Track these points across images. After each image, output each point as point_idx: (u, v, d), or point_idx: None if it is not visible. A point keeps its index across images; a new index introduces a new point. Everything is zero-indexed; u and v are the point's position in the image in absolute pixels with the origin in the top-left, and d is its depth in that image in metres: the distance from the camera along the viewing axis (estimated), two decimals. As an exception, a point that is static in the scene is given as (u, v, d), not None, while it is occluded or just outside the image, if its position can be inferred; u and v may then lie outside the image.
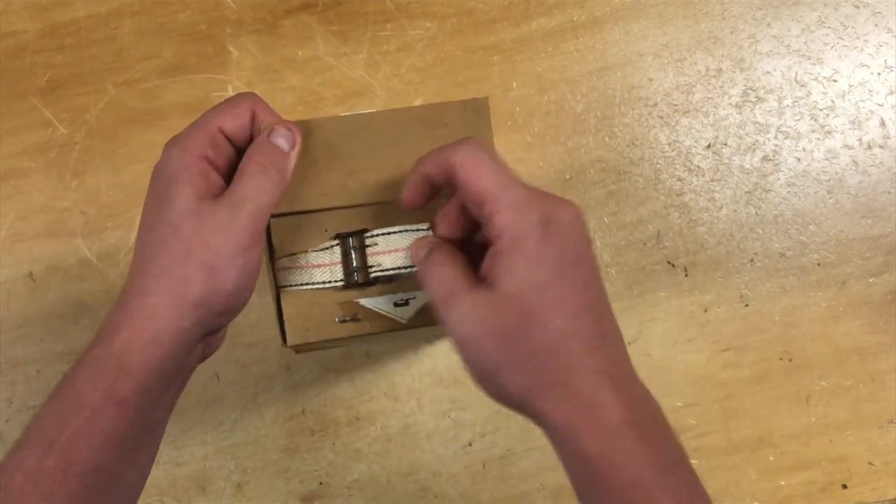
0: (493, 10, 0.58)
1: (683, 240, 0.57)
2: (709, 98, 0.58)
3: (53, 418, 0.34)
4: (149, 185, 0.38)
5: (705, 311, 0.56)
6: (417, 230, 0.39)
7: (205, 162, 0.37)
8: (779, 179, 0.57)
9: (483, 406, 0.55)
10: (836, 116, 0.58)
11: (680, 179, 0.57)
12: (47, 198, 0.56)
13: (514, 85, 0.57)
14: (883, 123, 0.58)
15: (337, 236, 0.41)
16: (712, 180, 0.57)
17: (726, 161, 0.57)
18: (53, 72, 0.57)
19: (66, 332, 0.55)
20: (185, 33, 0.57)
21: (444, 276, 0.35)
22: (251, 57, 0.57)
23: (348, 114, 0.41)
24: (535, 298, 0.33)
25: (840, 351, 0.56)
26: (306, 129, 0.40)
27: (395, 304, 0.41)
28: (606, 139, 0.57)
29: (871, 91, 0.58)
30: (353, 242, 0.40)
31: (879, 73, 0.58)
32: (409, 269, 0.39)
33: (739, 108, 0.58)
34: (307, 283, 0.40)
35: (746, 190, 0.57)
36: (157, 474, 0.55)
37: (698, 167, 0.57)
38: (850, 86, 0.58)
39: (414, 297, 0.41)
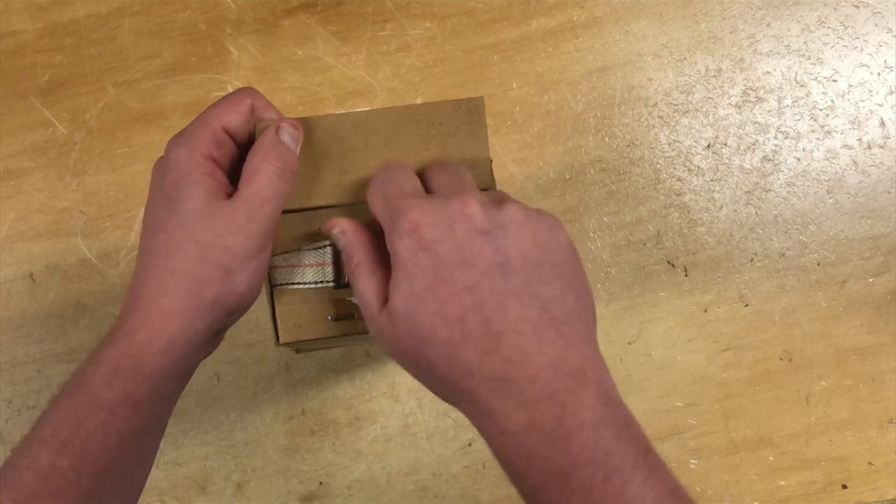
0: (493, 10, 0.58)
1: (683, 240, 0.57)
2: (709, 98, 0.58)
3: (68, 418, 0.34)
4: (151, 184, 0.38)
5: (705, 311, 0.56)
6: None
7: (211, 162, 0.37)
8: (778, 179, 0.57)
9: (483, 406, 0.55)
10: (836, 116, 0.58)
11: (680, 179, 0.57)
12: (47, 198, 0.56)
13: (514, 85, 0.57)
14: (883, 123, 0.58)
15: (329, 237, 0.41)
16: (712, 180, 0.57)
17: (726, 161, 0.57)
18: (53, 72, 0.57)
19: (66, 332, 0.55)
20: (185, 33, 0.57)
21: (362, 292, 0.36)
22: (251, 57, 0.57)
23: (343, 112, 0.41)
24: (418, 312, 0.33)
25: (840, 351, 0.56)
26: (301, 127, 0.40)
27: None
28: (606, 139, 0.57)
29: (870, 91, 0.58)
30: None
31: (879, 73, 0.58)
32: None
33: (739, 108, 0.58)
34: (299, 283, 0.41)
35: (746, 190, 0.57)
36: (157, 474, 0.55)
37: (698, 167, 0.57)
38: (850, 86, 0.58)
39: None
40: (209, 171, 0.36)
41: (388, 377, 0.56)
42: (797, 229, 0.57)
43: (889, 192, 0.58)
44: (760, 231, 0.57)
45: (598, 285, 0.56)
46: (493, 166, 0.41)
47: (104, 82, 0.57)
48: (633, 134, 0.57)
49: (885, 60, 0.58)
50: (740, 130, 0.58)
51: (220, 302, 0.36)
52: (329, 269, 0.41)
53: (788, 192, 0.57)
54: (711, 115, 0.58)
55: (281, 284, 0.41)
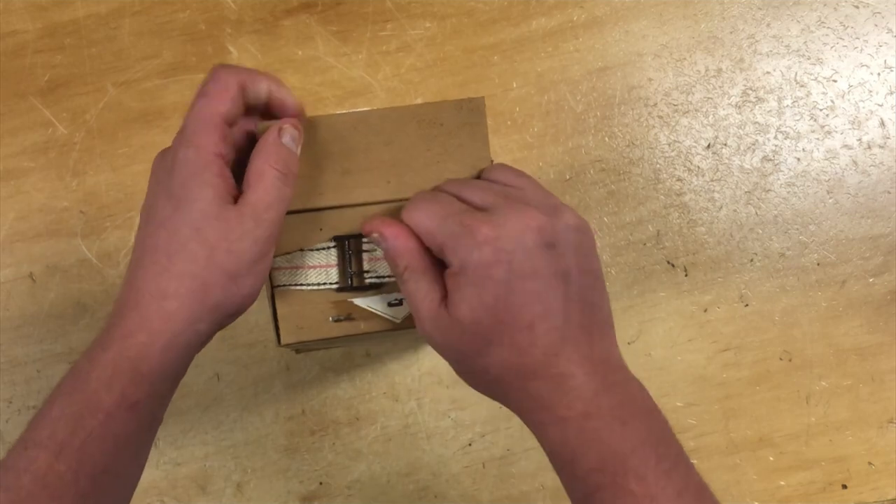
0: (493, 10, 0.58)
1: (683, 240, 0.57)
2: (708, 98, 0.58)
3: (65, 420, 0.34)
4: (152, 179, 0.37)
5: (705, 311, 0.56)
6: None
7: (221, 160, 0.36)
8: (778, 179, 0.57)
9: (483, 406, 0.55)
10: (836, 116, 0.58)
11: (680, 179, 0.57)
12: (47, 198, 0.56)
13: (514, 85, 0.57)
14: (882, 123, 0.58)
15: (334, 239, 0.41)
16: (712, 180, 0.57)
17: (726, 161, 0.57)
18: (53, 72, 0.57)
19: (66, 332, 0.55)
20: (185, 33, 0.57)
21: (414, 293, 0.37)
22: (251, 57, 0.57)
23: (343, 111, 0.41)
24: (486, 320, 0.35)
25: (840, 351, 0.56)
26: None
27: (389, 304, 0.41)
28: (606, 139, 0.57)
29: (870, 91, 0.58)
30: (349, 246, 0.40)
31: (879, 74, 0.58)
32: None
33: (739, 108, 0.58)
34: (302, 284, 0.40)
35: (746, 190, 0.57)
36: (157, 474, 0.55)
37: (698, 167, 0.57)
38: (850, 86, 0.58)
39: None
40: (219, 171, 0.36)
41: (388, 377, 0.56)
42: (797, 229, 0.57)
43: (889, 192, 0.58)
44: (760, 231, 0.57)
45: (598, 285, 0.56)
46: (488, 145, 0.41)
47: (104, 82, 0.57)
48: (633, 134, 0.57)
49: (885, 60, 0.58)
50: (740, 130, 0.58)
51: (222, 305, 0.36)
52: (333, 272, 0.40)
53: (788, 192, 0.57)
54: (711, 115, 0.58)
55: (283, 286, 0.41)
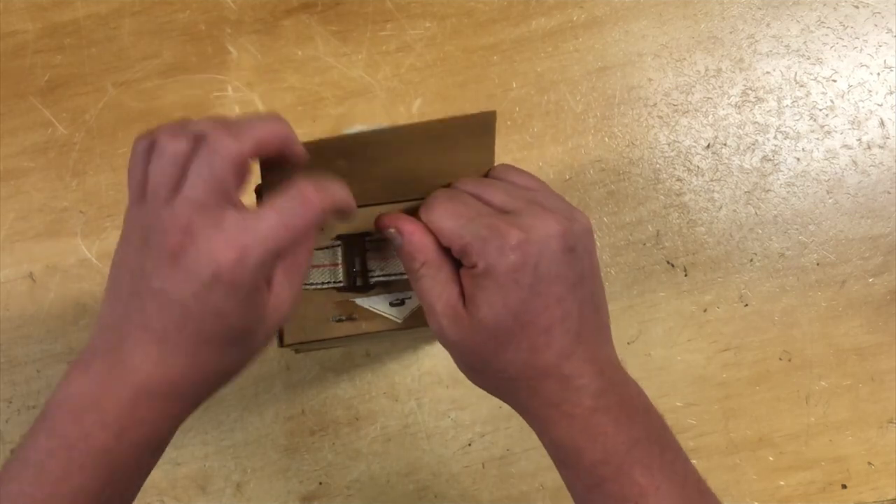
0: (492, 10, 0.58)
1: (683, 240, 0.57)
2: (708, 98, 0.58)
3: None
4: (171, 233, 0.33)
5: (705, 311, 0.56)
6: None
7: (263, 282, 0.34)
8: (778, 179, 0.57)
9: (483, 406, 0.55)
10: (836, 116, 0.58)
11: (679, 179, 0.57)
12: (47, 198, 0.56)
13: (514, 85, 0.57)
14: (882, 123, 0.58)
15: (339, 238, 0.40)
16: (712, 180, 0.57)
17: (726, 161, 0.57)
18: (53, 72, 0.57)
19: (66, 332, 0.55)
20: (185, 33, 0.57)
21: (430, 290, 0.37)
22: (251, 57, 0.57)
23: (353, 132, 0.40)
24: (508, 322, 0.35)
25: (840, 351, 0.56)
26: (309, 151, 0.37)
27: (391, 304, 0.41)
28: (606, 139, 0.57)
29: (870, 91, 0.58)
30: (354, 245, 0.40)
31: (879, 73, 0.58)
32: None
33: (739, 108, 0.58)
34: (306, 283, 0.40)
35: (746, 190, 0.57)
36: (157, 474, 0.55)
37: (698, 167, 0.57)
38: (850, 86, 0.58)
39: (409, 298, 0.41)
40: (258, 299, 0.34)
41: (388, 377, 0.56)
42: (797, 229, 0.57)
43: (889, 192, 0.58)
44: (760, 231, 0.57)
45: (598, 285, 0.56)
46: (494, 156, 0.41)
47: (104, 82, 0.57)
48: (632, 134, 0.57)
49: (885, 60, 0.58)
50: (740, 130, 0.58)
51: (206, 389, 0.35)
52: (339, 270, 0.40)
53: (788, 192, 0.57)
54: (711, 115, 0.58)
55: None
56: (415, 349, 0.56)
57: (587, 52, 0.58)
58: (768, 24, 0.58)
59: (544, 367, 0.35)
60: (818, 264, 0.57)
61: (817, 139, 0.58)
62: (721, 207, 0.57)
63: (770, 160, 0.57)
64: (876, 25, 0.58)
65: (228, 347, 0.34)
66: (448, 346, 0.38)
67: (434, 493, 0.55)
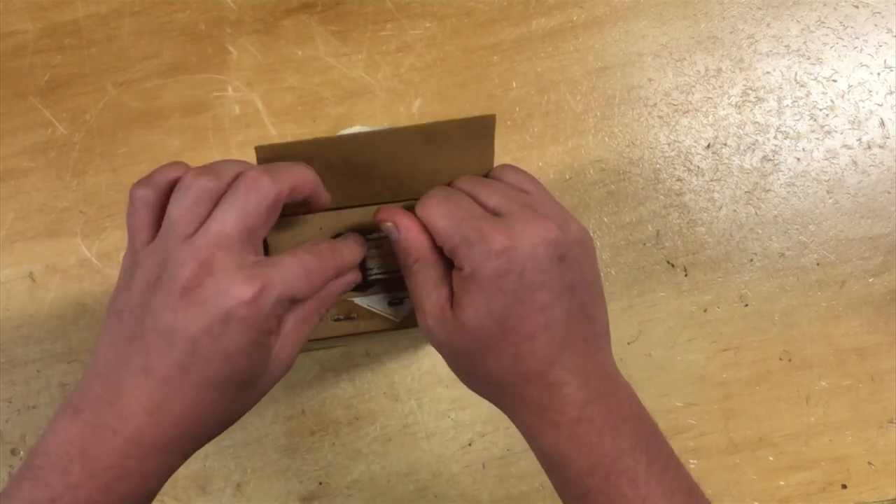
0: (492, 10, 0.58)
1: (683, 240, 0.57)
2: (708, 98, 0.58)
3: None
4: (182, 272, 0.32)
5: (705, 311, 0.56)
6: None
7: (275, 326, 0.34)
8: (778, 179, 0.57)
9: (483, 406, 0.55)
10: (836, 116, 0.58)
11: (679, 179, 0.57)
12: (47, 198, 0.56)
13: (514, 85, 0.57)
14: (882, 123, 0.58)
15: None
16: (712, 180, 0.57)
17: (726, 161, 0.57)
18: (53, 72, 0.57)
19: (66, 332, 0.55)
20: (185, 33, 0.57)
21: (421, 288, 0.37)
22: (251, 57, 0.57)
23: (350, 132, 0.40)
24: (491, 328, 0.35)
25: (840, 351, 0.56)
26: (306, 149, 0.38)
27: (390, 304, 0.41)
28: (606, 139, 0.57)
29: (870, 91, 0.58)
30: None
31: (879, 73, 0.58)
32: None
33: (739, 108, 0.58)
34: None
35: (746, 190, 0.57)
36: (156, 474, 0.55)
37: (698, 167, 0.57)
38: (850, 86, 0.58)
39: (408, 297, 0.41)
40: (264, 342, 0.33)
41: (388, 377, 0.56)
42: (797, 229, 0.57)
43: (889, 192, 0.58)
44: (760, 231, 0.57)
45: (598, 285, 0.56)
46: (493, 159, 0.40)
47: (104, 82, 0.57)
48: (632, 134, 0.57)
49: (885, 60, 0.58)
50: (740, 130, 0.58)
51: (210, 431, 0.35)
52: None
53: (788, 192, 0.57)
54: (711, 115, 0.58)
55: None
56: (415, 349, 0.56)
57: (587, 52, 0.58)
58: (768, 24, 0.58)
59: (527, 374, 0.35)
60: (818, 264, 0.57)
61: (817, 139, 0.58)
62: (721, 207, 0.57)
63: (770, 160, 0.57)
64: (876, 25, 0.58)
65: (230, 393, 0.33)
66: (436, 345, 0.38)
67: (434, 493, 0.55)
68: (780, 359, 0.56)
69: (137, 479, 0.32)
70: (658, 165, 0.57)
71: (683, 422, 0.55)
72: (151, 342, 0.32)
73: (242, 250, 0.32)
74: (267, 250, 0.39)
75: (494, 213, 0.36)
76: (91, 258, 0.56)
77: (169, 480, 0.52)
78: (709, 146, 0.58)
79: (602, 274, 0.56)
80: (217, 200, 0.33)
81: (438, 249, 0.37)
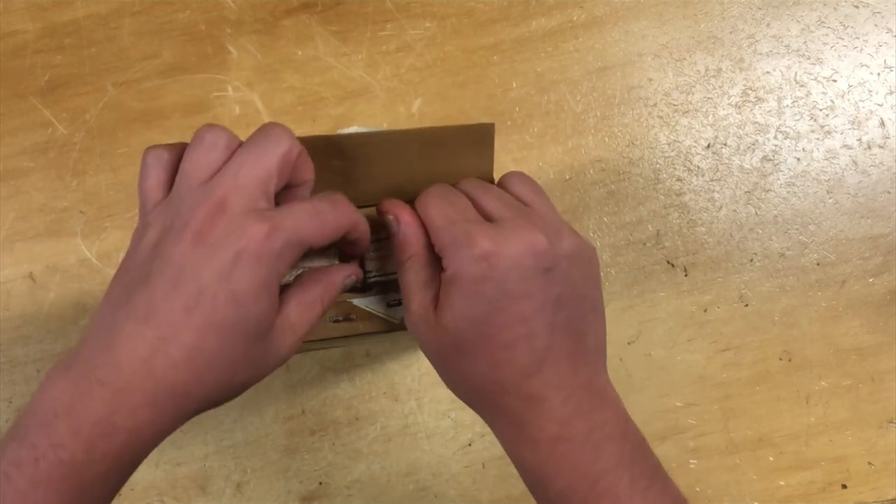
0: (492, 10, 0.58)
1: (683, 240, 0.57)
2: (708, 98, 0.58)
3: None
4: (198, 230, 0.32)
5: (705, 311, 0.56)
6: None
7: (284, 266, 0.33)
8: (778, 179, 0.57)
9: (483, 406, 0.55)
10: (836, 116, 0.58)
11: (679, 179, 0.57)
12: (47, 198, 0.56)
13: (514, 85, 0.57)
14: (882, 123, 0.58)
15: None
16: (712, 180, 0.57)
17: (726, 161, 0.57)
18: (53, 72, 0.57)
19: (66, 332, 0.55)
20: (185, 33, 0.57)
21: (411, 285, 0.37)
22: (251, 57, 0.57)
23: (348, 132, 0.40)
24: (468, 333, 0.34)
25: (840, 351, 0.56)
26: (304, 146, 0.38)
27: (389, 305, 0.41)
28: (606, 139, 0.57)
29: (870, 91, 0.58)
30: None
31: (879, 73, 0.58)
32: None
33: (739, 108, 0.58)
34: None
35: (746, 190, 0.57)
36: (157, 474, 0.55)
37: (698, 167, 0.57)
38: (850, 86, 0.58)
39: None
40: (273, 292, 0.33)
41: (388, 377, 0.56)
42: (797, 229, 0.57)
43: (889, 192, 0.58)
44: (760, 231, 0.57)
45: (598, 285, 0.56)
46: (493, 167, 0.40)
47: (104, 82, 0.57)
48: (632, 134, 0.57)
49: (885, 60, 0.58)
50: (740, 130, 0.58)
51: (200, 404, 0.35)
52: None
53: (788, 192, 0.57)
54: (711, 115, 0.58)
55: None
56: (415, 349, 0.56)
57: (587, 52, 0.58)
58: (768, 24, 0.58)
59: (504, 383, 0.35)
60: (818, 264, 0.57)
61: (817, 139, 0.58)
62: (721, 207, 0.57)
63: (770, 160, 0.57)
64: (876, 25, 0.58)
65: (230, 345, 0.32)
66: (420, 345, 0.37)
67: (434, 493, 0.55)
68: (780, 359, 0.56)
69: (123, 436, 0.31)
70: (658, 165, 0.57)
71: (683, 422, 0.55)
72: (156, 286, 0.31)
73: (256, 196, 0.32)
74: None
75: (489, 219, 0.36)
76: (91, 258, 0.56)
77: (169, 480, 0.51)
78: (709, 146, 0.58)
79: (602, 274, 0.56)
80: (231, 153, 0.33)
81: (433, 250, 0.37)
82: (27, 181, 0.56)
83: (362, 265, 0.40)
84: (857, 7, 0.58)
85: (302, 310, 0.35)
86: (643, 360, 0.56)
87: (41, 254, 0.56)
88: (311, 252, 0.35)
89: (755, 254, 0.57)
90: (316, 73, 0.57)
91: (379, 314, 0.41)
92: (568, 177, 0.57)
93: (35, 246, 0.56)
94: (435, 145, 0.39)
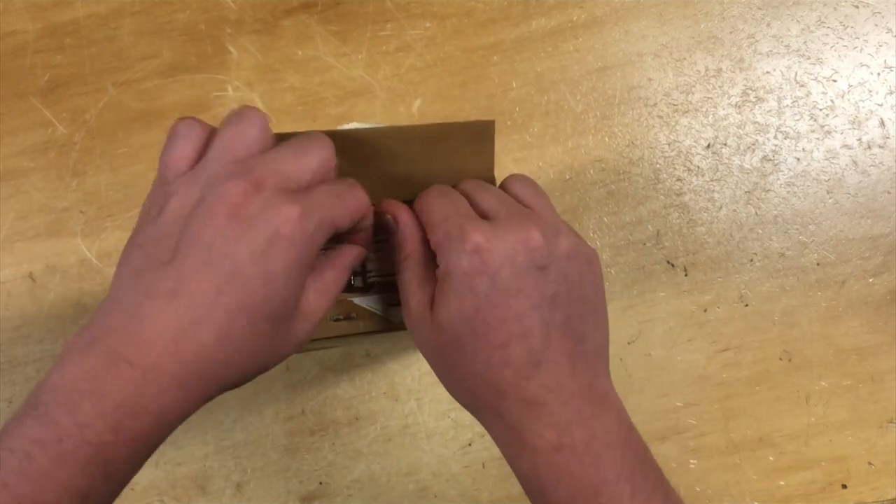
0: (492, 10, 0.58)
1: (683, 240, 0.57)
2: (708, 98, 0.58)
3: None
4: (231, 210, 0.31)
5: (705, 311, 0.56)
6: None
7: (315, 249, 0.34)
8: (778, 179, 0.57)
9: (483, 406, 0.55)
10: (836, 116, 0.58)
11: (679, 179, 0.57)
12: (47, 198, 0.56)
13: (514, 85, 0.57)
14: (882, 123, 0.58)
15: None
16: (712, 180, 0.57)
17: (726, 161, 0.57)
18: (53, 72, 0.57)
19: (66, 332, 0.55)
20: (185, 33, 0.57)
21: (409, 284, 0.37)
22: (251, 57, 0.57)
23: (348, 128, 0.40)
24: (462, 330, 0.34)
25: (840, 351, 0.56)
26: None
27: (389, 304, 0.41)
28: (606, 139, 0.57)
29: (870, 91, 0.58)
30: None
31: (879, 73, 0.58)
32: None
33: (739, 108, 0.58)
34: None
35: (746, 190, 0.57)
36: (157, 474, 0.55)
37: (698, 167, 0.57)
38: (850, 86, 0.58)
39: None
40: (303, 274, 0.33)
41: (388, 377, 0.56)
42: (797, 229, 0.57)
43: (889, 192, 0.58)
44: (760, 231, 0.57)
45: (598, 285, 0.56)
46: (494, 168, 0.41)
47: (104, 82, 0.57)
48: (632, 134, 0.57)
49: (885, 60, 0.58)
50: (740, 130, 0.58)
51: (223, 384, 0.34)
52: None
53: (788, 192, 0.57)
54: (711, 115, 0.58)
55: None
56: (415, 349, 0.56)
57: (587, 52, 0.58)
58: (768, 24, 0.58)
59: (501, 385, 0.34)
60: (818, 264, 0.57)
61: (817, 139, 0.58)
62: (721, 207, 0.57)
63: (770, 160, 0.57)
64: (876, 25, 0.58)
65: (259, 326, 0.31)
66: (418, 345, 0.37)
67: (434, 493, 0.55)
68: (780, 359, 0.56)
69: (150, 419, 0.30)
70: (658, 165, 0.57)
71: (683, 422, 0.55)
72: (185, 264, 0.30)
73: (289, 183, 0.32)
74: None
75: (486, 217, 0.36)
76: (91, 258, 0.56)
77: (169, 480, 0.52)
78: (709, 146, 0.58)
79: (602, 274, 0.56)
80: (268, 138, 0.34)
81: (430, 250, 0.37)
82: (27, 181, 0.56)
83: (363, 265, 0.40)
84: (857, 7, 0.58)
85: (319, 295, 0.35)
86: (643, 360, 0.56)
87: (41, 254, 0.56)
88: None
89: (755, 254, 0.57)
90: (316, 73, 0.57)
91: (379, 313, 0.41)
92: (568, 177, 0.57)
93: (35, 246, 0.56)
94: (435, 142, 0.39)
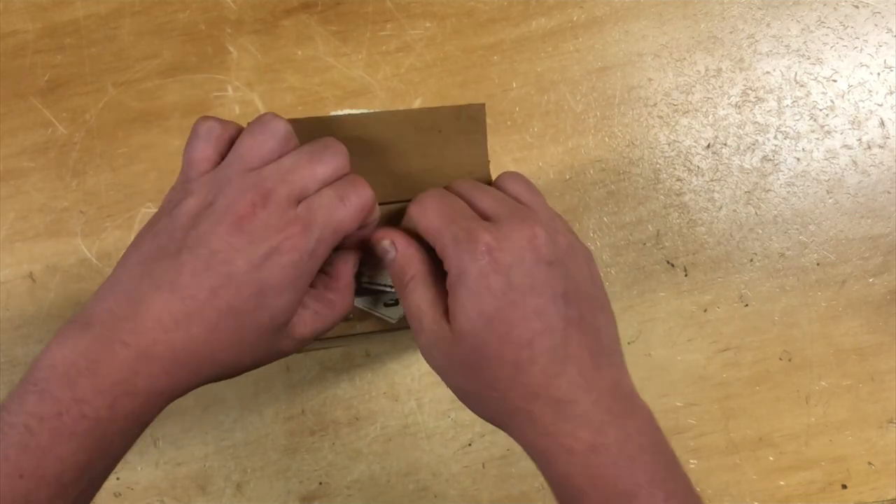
0: (492, 10, 0.58)
1: (683, 240, 0.57)
2: (708, 98, 0.58)
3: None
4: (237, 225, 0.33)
5: (705, 311, 0.56)
6: None
7: (315, 264, 0.35)
8: (778, 179, 0.57)
9: (483, 406, 0.55)
10: (836, 116, 0.58)
11: (679, 179, 0.57)
12: (47, 198, 0.56)
13: (514, 85, 0.57)
14: (882, 123, 0.58)
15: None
16: (712, 180, 0.57)
17: (726, 161, 0.57)
18: (53, 72, 0.57)
19: (66, 332, 0.55)
20: (185, 33, 0.57)
21: (417, 305, 0.36)
22: (251, 57, 0.57)
23: (341, 113, 0.40)
24: (485, 332, 0.34)
25: (840, 351, 0.56)
26: (297, 128, 0.38)
27: (386, 305, 0.41)
28: (606, 139, 0.57)
29: (870, 91, 0.58)
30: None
31: (879, 73, 0.58)
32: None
33: (739, 108, 0.58)
34: None
35: (746, 190, 0.57)
36: (157, 474, 0.55)
37: (698, 167, 0.57)
38: (850, 86, 0.58)
39: None
40: (301, 287, 0.35)
41: (388, 377, 0.56)
42: (797, 229, 0.57)
43: (889, 192, 0.58)
44: (760, 231, 0.57)
45: (598, 285, 0.56)
46: (493, 167, 0.41)
47: (104, 82, 0.57)
48: (632, 134, 0.57)
49: (885, 60, 0.58)
50: (740, 130, 0.58)
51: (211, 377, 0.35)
52: None
53: (788, 192, 0.57)
54: (711, 115, 0.58)
55: None
56: (415, 349, 0.56)
57: (587, 52, 0.58)
58: (768, 24, 0.58)
59: (532, 386, 0.34)
60: (818, 264, 0.57)
61: (817, 139, 0.58)
62: (721, 207, 0.57)
63: (770, 160, 0.57)
64: (876, 25, 0.58)
65: (246, 330, 0.33)
66: (436, 367, 0.37)
67: (434, 493, 0.55)
68: (780, 359, 0.56)
69: (143, 398, 0.32)
70: (658, 165, 0.57)
71: (683, 422, 0.55)
72: (187, 261, 0.32)
73: (299, 192, 0.34)
74: None
75: (486, 218, 0.36)
76: (91, 258, 0.56)
77: (169, 480, 0.52)
78: (709, 146, 0.58)
79: (602, 274, 0.56)
80: (286, 147, 0.35)
81: (434, 265, 0.37)
82: (27, 181, 0.56)
83: (359, 267, 0.40)
84: (857, 7, 0.58)
85: (318, 311, 0.36)
86: (643, 360, 0.56)
87: (41, 254, 0.56)
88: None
89: (755, 254, 0.57)
90: (316, 73, 0.57)
91: (376, 314, 0.41)
92: (568, 177, 0.57)
93: (35, 246, 0.56)
94: (428, 130, 0.39)
